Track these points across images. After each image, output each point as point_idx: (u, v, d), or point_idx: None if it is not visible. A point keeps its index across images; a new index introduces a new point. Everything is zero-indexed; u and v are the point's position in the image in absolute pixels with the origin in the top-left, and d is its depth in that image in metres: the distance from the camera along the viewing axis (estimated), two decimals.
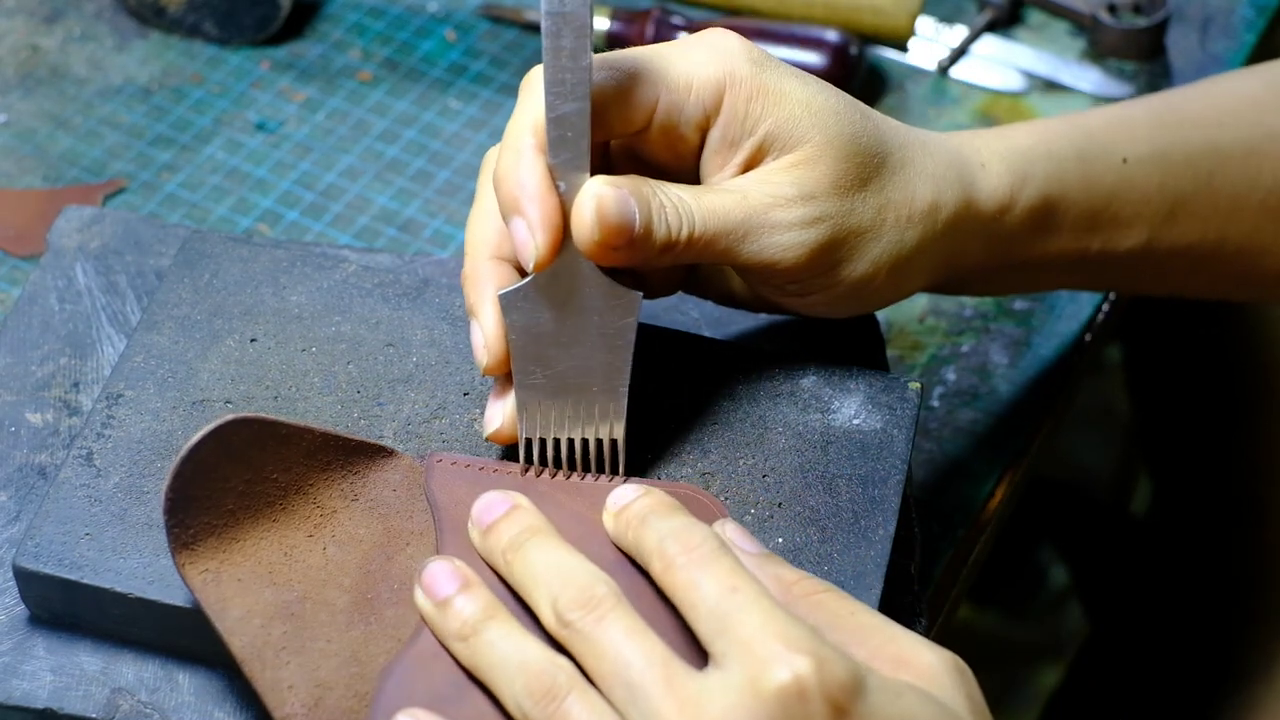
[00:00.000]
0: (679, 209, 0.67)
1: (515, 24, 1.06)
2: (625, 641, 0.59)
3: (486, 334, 0.68)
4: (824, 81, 0.71)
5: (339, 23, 1.05)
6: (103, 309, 0.81)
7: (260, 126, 0.99)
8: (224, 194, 0.96)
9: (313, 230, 0.94)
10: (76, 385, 0.78)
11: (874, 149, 0.70)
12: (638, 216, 0.66)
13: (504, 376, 0.69)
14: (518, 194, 0.66)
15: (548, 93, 0.65)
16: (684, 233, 0.67)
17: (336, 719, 0.62)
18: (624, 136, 0.69)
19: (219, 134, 0.99)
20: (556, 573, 0.62)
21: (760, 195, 0.68)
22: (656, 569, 0.62)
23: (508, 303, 0.67)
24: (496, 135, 0.98)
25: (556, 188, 0.66)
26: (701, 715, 0.57)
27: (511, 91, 1.02)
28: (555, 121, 0.65)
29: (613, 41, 1.01)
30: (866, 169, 0.70)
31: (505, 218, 0.67)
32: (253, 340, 0.75)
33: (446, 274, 0.82)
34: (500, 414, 0.69)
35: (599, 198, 0.65)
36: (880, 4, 1.03)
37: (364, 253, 0.84)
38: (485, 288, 0.68)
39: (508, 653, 0.61)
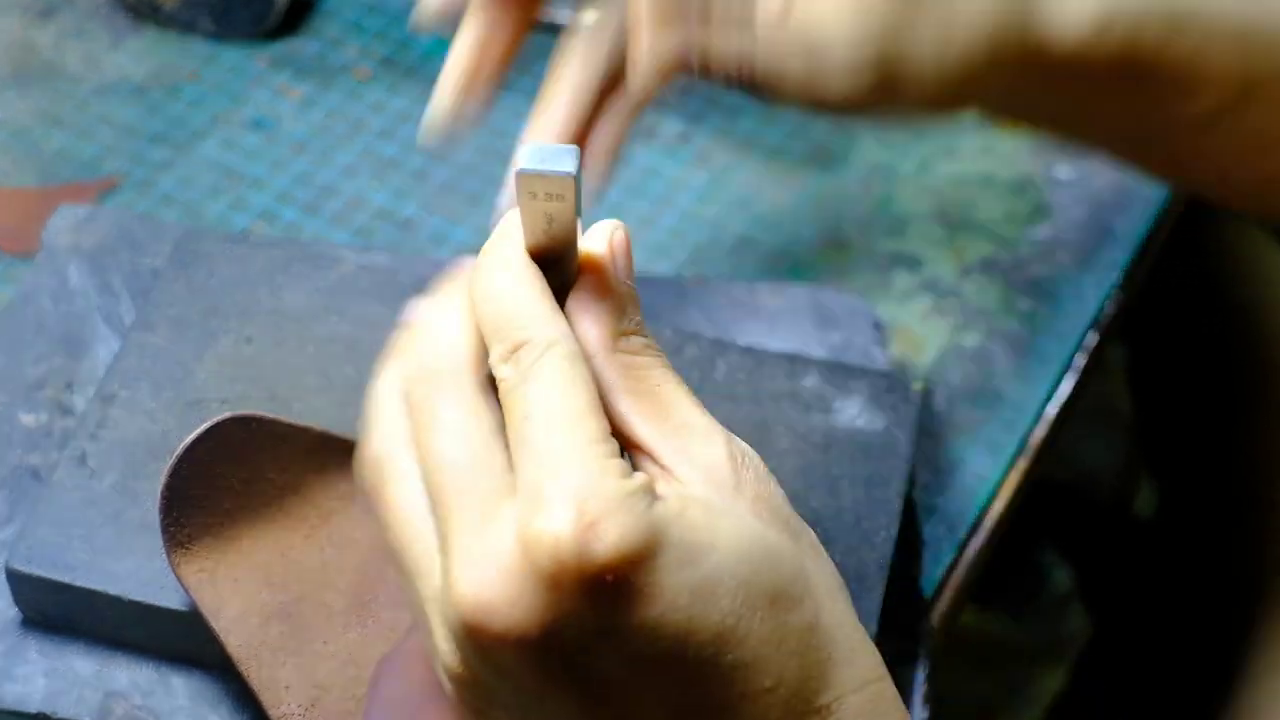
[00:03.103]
0: None
1: None
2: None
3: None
4: None
5: (336, 19, 1.05)
6: (97, 309, 0.80)
7: (257, 124, 0.99)
8: (220, 192, 0.95)
9: (309, 228, 0.94)
10: (70, 386, 0.78)
11: None
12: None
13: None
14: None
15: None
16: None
17: None
18: None
19: (215, 131, 0.98)
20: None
21: None
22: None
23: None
24: (495, 134, 0.97)
25: None
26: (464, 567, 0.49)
27: (511, 90, 1.01)
28: None
29: None
30: None
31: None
32: (248, 340, 0.74)
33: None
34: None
35: None
36: None
37: (361, 251, 0.84)
38: None
39: None
